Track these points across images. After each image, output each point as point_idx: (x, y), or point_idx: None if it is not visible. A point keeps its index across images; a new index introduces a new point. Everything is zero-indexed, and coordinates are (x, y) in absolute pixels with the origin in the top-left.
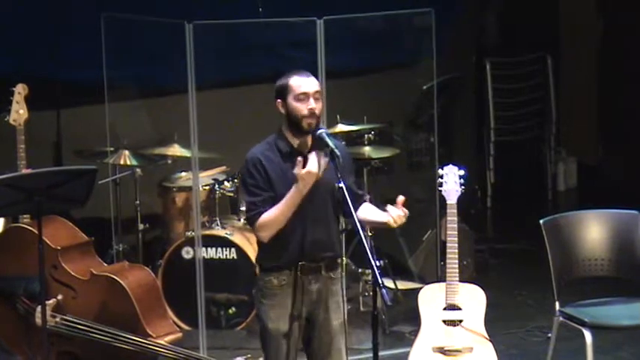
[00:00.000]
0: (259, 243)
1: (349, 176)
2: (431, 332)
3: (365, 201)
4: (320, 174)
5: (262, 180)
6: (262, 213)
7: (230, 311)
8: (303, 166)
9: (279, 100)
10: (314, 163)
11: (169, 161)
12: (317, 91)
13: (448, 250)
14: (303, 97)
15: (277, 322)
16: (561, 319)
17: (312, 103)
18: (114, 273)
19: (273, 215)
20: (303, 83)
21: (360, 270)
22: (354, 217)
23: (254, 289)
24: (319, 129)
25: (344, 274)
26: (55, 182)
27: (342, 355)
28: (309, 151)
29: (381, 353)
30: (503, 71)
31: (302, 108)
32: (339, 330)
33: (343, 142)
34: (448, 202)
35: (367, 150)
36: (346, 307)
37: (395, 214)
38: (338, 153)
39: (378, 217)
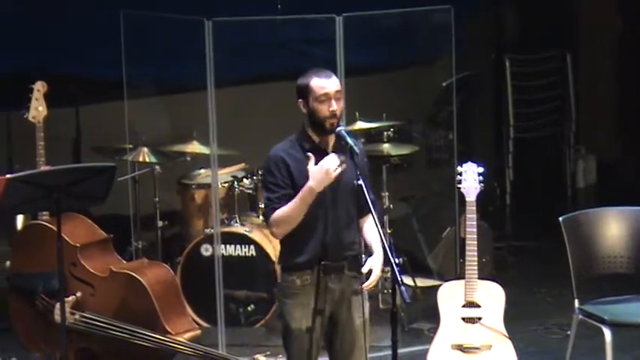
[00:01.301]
0: (281, 243)
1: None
2: (450, 329)
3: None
4: (334, 175)
5: (283, 178)
6: (276, 209)
7: (249, 308)
8: (316, 163)
9: (300, 100)
10: (329, 162)
11: (188, 158)
12: (338, 91)
13: (467, 248)
14: (325, 98)
15: (300, 321)
16: (580, 316)
17: (333, 105)
18: (133, 270)
19: (286, 212)
20: (325, 84)
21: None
22: (374, 214)
23: (275, 289)
24: (338, 126)
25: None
26: (74, 179)
27: (364, 353)
28: (333, 149)
29: (400, 350)
30: (523, 68)
31: (324, 109)
32: (361, 328)
33: (362, 141)
34: (467, 199)
35: (386, 147)
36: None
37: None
38: (357, 150)
39: (367, 239)
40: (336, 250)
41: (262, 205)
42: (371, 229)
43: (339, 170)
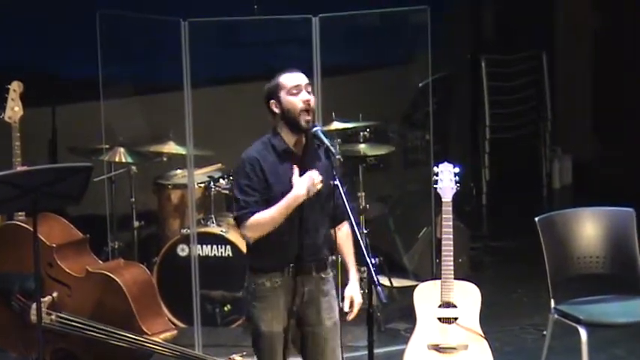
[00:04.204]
0: (249, 246)
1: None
2: (426, 330)
3: (344, 220)
4: (318, 187)
5: (258, 181)
6: (254, 213)
7: (225, 309)
8: (300, 174)
9: (272, 101)
10: (314, 175)
11: (165, 159)
12: (308, 84)
13: (443, 248)
14: (297, 90)
15: (271, 324)
16: (556, 316)
17: (305, 95)
18: (109, 270)
19: (266, 218)
20: (294, 77)
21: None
22: (350, 214)
23: (243, 292)
24: (314, 126)
25: (338, 272)
26: (50, 179)
27: (337, 355)
28: (305, 150)
29: (376, 351)
30: (499, 68)
31: (297, 101)
32: (332, 330)
33: (338, 141)
34: (443, 199)
35: (362, 147)
36: (338, 305)
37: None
38: (334, 150)
39: (344, 258)
40: (305, 252)
41: (235, 204)
42: (346, 243)
43: (318, 183)
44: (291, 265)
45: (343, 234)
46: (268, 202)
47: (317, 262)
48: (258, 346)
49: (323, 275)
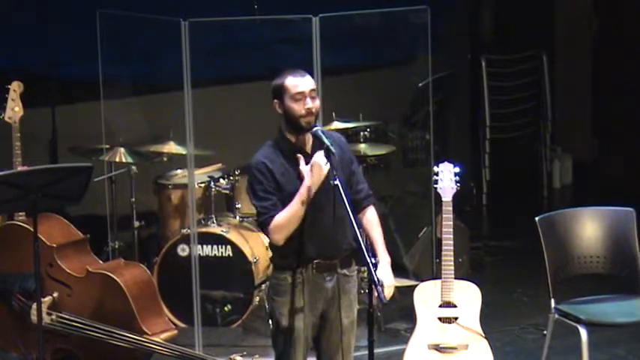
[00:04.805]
0: (271, 243)
1: (351, 169)
2: (426, 329)
3: (369, 205)
4: (326, 171)
5: (269, 183)
6: (274, 216)
7: (226, 309)
8: (306, 162)
9: (276, 101)
10: (320, 157)
11: (165, 158)
12: (313, 90)
13: (444, 248)
14: (300, 96)
15: (292, 320)
16: (557, 316)
17: (308, 103)
18: (110, 270)
19: (286, 217)
20: (299, 83)
21: (355, 267)
22: (350, 213)
23: (266, 286)
24: (314, 126)
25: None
26: (50, 180)
27: (351, 353)
28: (312, 149)
29: (376, 350)
30: (499, 69)
31: (299, 108)
32: (349, 328)
33: (343, 138)
34: (444, 199)
35: (363, 147)
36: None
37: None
38: (333, 150)
39: (372, 242)
40: (327, 249)
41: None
42: (372, 228)
43: (328, 165)
44: (315, 261)
45: (368, 219)
46: (283, 204)
47: (341, 257)
48: (276, 340)
49: (347, 273)
